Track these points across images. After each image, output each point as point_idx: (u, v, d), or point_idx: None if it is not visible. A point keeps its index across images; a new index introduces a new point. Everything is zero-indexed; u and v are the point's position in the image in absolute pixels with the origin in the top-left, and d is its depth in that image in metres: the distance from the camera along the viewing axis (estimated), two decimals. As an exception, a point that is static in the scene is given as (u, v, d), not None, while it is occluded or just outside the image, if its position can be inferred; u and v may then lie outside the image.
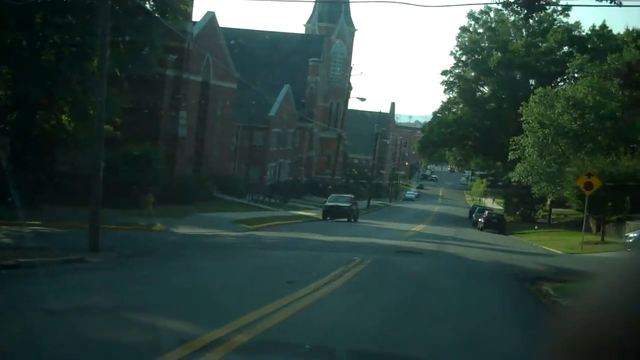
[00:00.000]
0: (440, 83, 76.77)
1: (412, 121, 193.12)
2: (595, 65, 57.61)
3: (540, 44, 70.43)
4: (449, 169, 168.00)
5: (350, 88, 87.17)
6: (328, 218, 46.98)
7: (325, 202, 49.81)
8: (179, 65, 45.45)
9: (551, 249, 34.12)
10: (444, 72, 76.07)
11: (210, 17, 50.96)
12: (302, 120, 74.11)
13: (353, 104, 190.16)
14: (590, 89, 55.29)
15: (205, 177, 48.70)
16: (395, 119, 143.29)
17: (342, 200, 48.99)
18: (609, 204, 34.26)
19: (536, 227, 55.88)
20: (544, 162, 55.49)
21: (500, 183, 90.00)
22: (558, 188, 55.86)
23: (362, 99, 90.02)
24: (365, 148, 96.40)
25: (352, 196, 51.70)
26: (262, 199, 56.12)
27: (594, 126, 54.57)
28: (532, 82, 70.75)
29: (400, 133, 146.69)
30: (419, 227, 46.51)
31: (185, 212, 36.07)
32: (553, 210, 68.86)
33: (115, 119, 37.06)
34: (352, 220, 47.87)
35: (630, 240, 27.78)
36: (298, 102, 72.86)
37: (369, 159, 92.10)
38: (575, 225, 58.93)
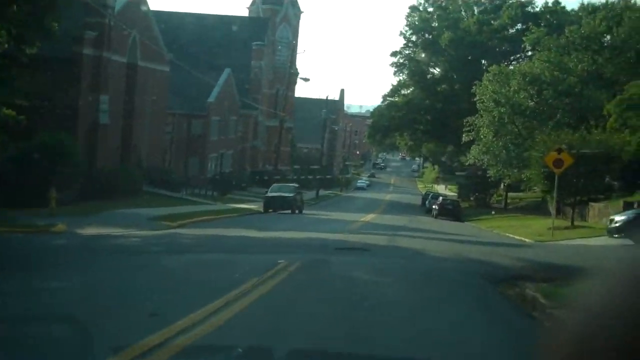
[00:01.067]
0: (390, 65, 72.27)
1: (364, 111, 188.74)
2: (553, 39, 53.49)
3: (492, 22, 66.16)
4: (400, 157, 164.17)
5: (297, 74, 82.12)
6: (270, 210, 41.93)
7: (267, 192, 44.68)
8: (99, 44, 39.84)
9: (517, 237, 29.54)
10: (394, 53, 71.49)
11: (136, -8, 45.32)
12: (245, 108, 68.78)
13: (302, 92, 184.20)
14: (547, 64, 51.15)
15: (134, 169, 43.18)
16: (347, 109, 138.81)
17: (285, 190, 43.93)
18: (582, 182, 29.79)
19: (493, 213, 51.61)
20: (500, 143, 51.16)
21: (453, 168, 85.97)
22: (515, 170, 51.75)
23: (306, 79, 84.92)
24: (315, 137, 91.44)
25: (296, 185, 46.67)
26: (201, 193, 50.81)
27: (552, 103, 50.43)
28: (484, 62, 66.51)
29: (352, 122, 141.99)
30: (368, 217, 41.69)
31: (100, 209, 30.71)
32: (507, 194, 64.98)
33: (21, 102, 31.63)
34: (297, 211, 42.89)
35: (617, 225, 23.21)
36: (242, 88, 67.40)
37: (319, 149, 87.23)
38: (532, 209, 55.00)
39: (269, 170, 72.41)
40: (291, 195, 42.90)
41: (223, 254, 16.79)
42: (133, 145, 46.40)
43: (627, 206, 37.52)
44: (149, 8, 47.74)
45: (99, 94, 39.91)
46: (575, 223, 32.52)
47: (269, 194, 43.41)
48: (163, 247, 19.21)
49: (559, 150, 27.96)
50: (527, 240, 27.73)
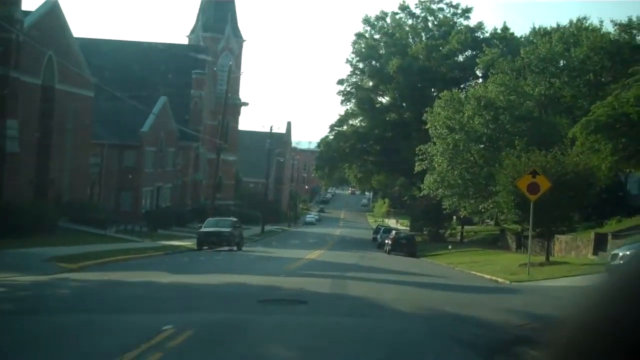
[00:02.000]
0: (337, 93, 67.59)
1: (313, 146, 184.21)
2: (507, 62, 49.49)
3: (441, 48, 62.10)
4: (350, 191, 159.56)
5: (240, 104, 76.98)
6: (205, 247, 36.43)
7: (200, 228, 39.11)
8: (4, 61, 34.18)
9: (487, 276, 24.56)
10: (340, 81, 66.86)
11: (52, 6, 39.78)
12: (185, 139, 63.19)
13: (247, 125, 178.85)
14: (502, 88, 47.00)
15: (48, 205, 37.25)
16: (296, 145, 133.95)
17: (222, 225, 38.43)
18: (558, 211, 25.02)
19: (450, 247, 46.80)
20: (456, 172, 46.60)
21: (404, 199, 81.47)
22: (471, 201, 47.26)
23: (245, 104, 78.91)
24: (261, 172, 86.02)
25: (235, 220, 41.16)
26: (132, 229, 45.01)
27: (510, 129, 46.13)
28: (434, 90, 62.36)
29: (301, 156, 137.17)
30: (315, 254, 36.38)
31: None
32: (459, 227, 60.62)
33: None
34: (235, 248, 37.47)
35: (620, 261, 18.36)
36: (181, 119, 61.86)
37: (265, 183, 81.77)
38: (489, 243, 50.59)
39: (210, 205, 66.57)
40: (228, 230, 37.47)
41: (95, 314, 11.37)
42: (50, 178, 40.52)
43: (600, 238, 33.12)
44: (68, 27, 42.17)
45: (4, 118, 34.12)
46: (555, 258, 27.82)
47: (203, 229, 37.92)
48: (27, 301, 13.74)
49: (534, 173, 23.20)
50: (500, 280, 22.76)
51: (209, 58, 69.80)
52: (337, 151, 65.54)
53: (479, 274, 26.06)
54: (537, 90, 47.65)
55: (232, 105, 74.12)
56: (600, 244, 31.58)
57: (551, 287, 18.27)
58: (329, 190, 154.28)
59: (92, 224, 41.63)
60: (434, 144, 48.17)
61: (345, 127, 67.88)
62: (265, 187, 72.60)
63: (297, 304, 12.55)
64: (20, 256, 23.86)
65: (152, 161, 56.49)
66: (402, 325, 10.45)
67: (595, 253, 31.03)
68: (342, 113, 69.13)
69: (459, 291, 16.45)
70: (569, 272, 22.16)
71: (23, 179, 36.61)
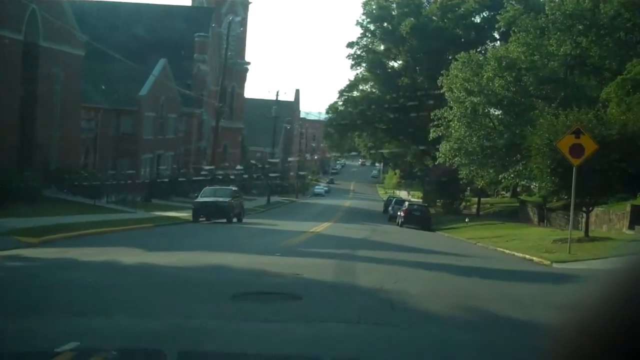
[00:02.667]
0: (347, 57, 63.40)
1: (322, 117, 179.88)
2: (530, 19, 45.24)
3: (457, 8, 57.79)
4: (360, 163, 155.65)
5: (246, 70, 73.02)
6: (202, 218, 32.87)
7: (197, 197, 35.50)
8: (-22, 13, 30.46)
9: (518, 254, 20.81)
10: (350, 44, 62.69)
11: (34, -45, 35.84)
12: (188, 106, 59.49)
13: (254, 93, 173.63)
14: (524, 48, 42.92)
15: (30, 171, 33.61)
16: (305, 116, 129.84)
17: (220, 195, 34.77)
18: (601, 177, 21.13)
19: (467, 220, 43.00)
20: (474, 139, 42.74)
21: (415, 170, 77.59)
22: (490, 170, 43.45)
23: (247, 63, 74.35)
24: (269, 141, 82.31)
25: (234, 189, 37.52)
26: (126, 199, 41.49)
27: (532, 91, 42.13)
28: (449, 54, 58.19)
29: (309, 127, 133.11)
30: (321, 227, 32.72)
31: None
32: (474, 199, 56.77)
33: None
34: (234, 220, 33.90)
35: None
36: (184, 85, 58.09)
37: (274, 152, 78.05)
38: (506, 216, 46.70)
39: (214, 174, 62.92)
40: (226, 200, 33.81)
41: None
42: (37, 143, 36.94)
43: (636, 211, 29.36)
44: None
45: (-22, 75, 30.45)
46: (596, 233, 24.10)
47: (200, 199, 34.31)
48: None
49: (577, 133, 19.33)
50: (535, 259, 18.99)
51: (213, 21, 65.72)
52: (346, 118, 61.64)
53: (507, 250, 22.32)
54: (562, 49, 43.47)
55: (237, 71, 70.26)
56: (636, 218, 27.92)
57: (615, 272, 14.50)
58: (338, 161, 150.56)
59: (83, 194, 38.13)
60: (451, 108, 44.32)
61: (355, 93, 63.88)
62: (272, 156, 68.88)
63: (287, 300, 8.86)
64: (-22, 229, 20.34)
65: (152, 128, 52.82)
66: (439, 340, 6.76)
67: (631, 227, 27.40)
68: (352, 78, 65.15)
69: (500, 278, 12.72)
70: (617, 251, 18.41)
71: (3, 143, 33.10)
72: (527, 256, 19.78)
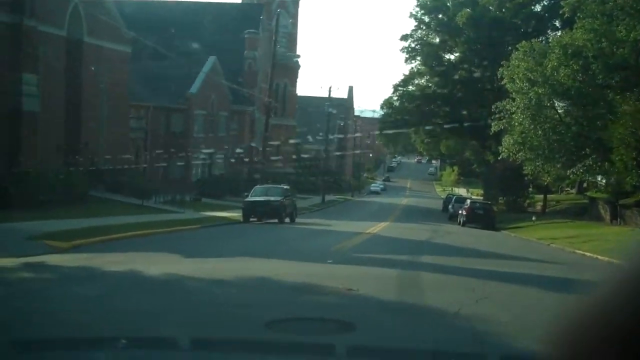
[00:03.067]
0: (401, 50, 60.85)
1: (377, 115, 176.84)
2: (597, 3, 42.14)
3: (516, -4, 54.76)
4: (416, 160, 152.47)
5: (297, 67, 71.20)
6: (252, 218, 31.05)
7: (247, 197, 33.66)
8: (18, 9, 29.16)
9: (604, 258, 18.27)
10: (404, 37, 60.14)
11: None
12: (239, 103, 57.95)
13: (306, 90, 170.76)
14: (591, 35, 39.89)
15: (77, 172, 32.29)
16: (359, 113, 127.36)
17: (271, 193, 32.88)
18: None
19: (534, 219, 40.17)
20: (540, 132, 39.96)
21: (474, 167, 74.60)
22: (557, 166, 40.59)
23: (297, 56, 72.48)
24: (321, 139, 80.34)
25: (286, 187, 35.59)
26: (175, 199, 39.99)
27: (601, 80, 39.09)
28: (508, 45, 55.28)
29: (364, 124, 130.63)
30: (378, 227, 30.48)
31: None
32: (540, 196, 53.69)
33: None
34: (287, 220, 31.98)
35: None
36: (234, 82, 56.54)
37: (328, 150, 75.93)
38: (574, 214, 43.68)
39: (269, 172, 61.27)
40: (278, 199, 31.91)
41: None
42: (83, 142, 35.72)
43: None
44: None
45: (20, 72, 29.15)
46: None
47: (250, 198, 32.48)
48: None
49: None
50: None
51: (263, 17, 64.06)
52: (401, 113, 59.24)
53: (587, 253, 19.80)
54: (632, 35, 40.31)
55: (288, 68, 68.49)
56: None
57: None
58: (394, 159, 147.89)
59: (131, 194, 36.80)
60: (513, 100, 41.59)
61: (410, 88, 61.38)
62: (324, 153, 66.90)
63: (336, 330, 6.72)
64: (9, 232, 18.80)
65: (203, 126, 51.42)
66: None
67: None
68: (407, 72, 62.67)
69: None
70: None
71: (49, 143, 31.84)
72: (615, 260, 17.26)
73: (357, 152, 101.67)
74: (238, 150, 60.93)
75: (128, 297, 8.89)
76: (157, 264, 12.83)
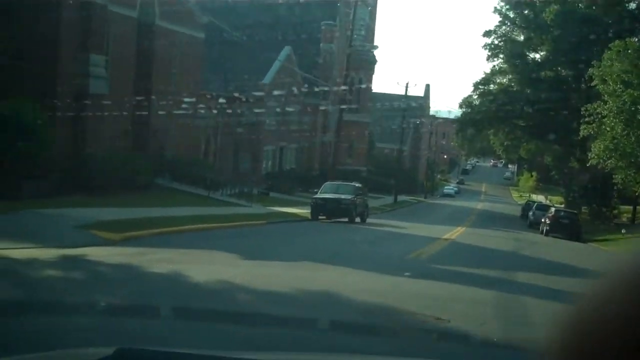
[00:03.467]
0: (483, 47, 58.01)
1: (452, 116, 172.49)
2: None
3: (610, -8, 51.35)
4: (491, 163, 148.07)
5: (374, 61, 69.05)
6: (321, 216, 29.23)
7: (317, 193, 31.85)
8: (90, -14, 28.06)
9: None
10: (487, 33, 57.29)
11: None
12: (313, 96, 56.19)
13: (381, 86, 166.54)
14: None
15: (142, 159, 31.09)
16: (434, 114, 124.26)
17: (342, 191, 30.99)
18: None
19: (623, 231, 37.10)
20: (633, 139, 36.88)
21: (553, 174, 71.06)
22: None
23: (374, 47, 70.15)
24: (396, 138, 78.11)
25: (358, 185, 33.62)
26: (243, 192, 38.55)
27: None
28: (598, 44, 51.85)
29: (439, 125, 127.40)
30: (455, 232, 28.17)
31: (43, 205, 19.04)
32: (624, 207, 50.21)
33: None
34: (357, 219, 30.02)
35: None
36: (308, 74, 54.92)
37: (402, 150, 73.58)
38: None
39: (340, 169, 59.41)
40: (349, 197, 29.98)
41: None
42: (152, 129, 34.56)
43: None
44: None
45: (88, 52, 28.05)
46: None
47: (320, 195, 30.66)
48: None
49: None
50: None
51: (341, 8, 62.13)
52: (481, 113, 56.46)
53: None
54: None
55: (364, 62, 66.29)
56: None
57: None
58: (469, 161, 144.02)
59: (198, 185, 35.52)
60: (605, 102, 38.55)
61: (491, 86, 58.49)
62: (399, 152, 64.67)
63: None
64: (60, 218, 17.45)
65: (274, 118, 49.89)
66: None
67: None
68: (488, 70, 59.77)
69: None
70: None
71: (116, 128, 30.73)
72: None
73: (431, 152, 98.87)
74: (309, 145, 59.39)
75: (154, 312, 7.06)
76: (209, 266, 11.08)
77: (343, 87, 52.08)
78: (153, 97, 34.10)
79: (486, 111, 55.82)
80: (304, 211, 32.23)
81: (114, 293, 8.25)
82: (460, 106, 59.51)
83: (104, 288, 8.90)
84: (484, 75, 59.31)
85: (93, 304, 7.51)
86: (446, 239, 23.35)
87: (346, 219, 29.09)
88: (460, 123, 60.87)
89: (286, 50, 49.94)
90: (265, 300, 8.04)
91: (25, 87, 24.81)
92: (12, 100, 23.98)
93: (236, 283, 9.11)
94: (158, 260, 11.55)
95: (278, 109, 50.03)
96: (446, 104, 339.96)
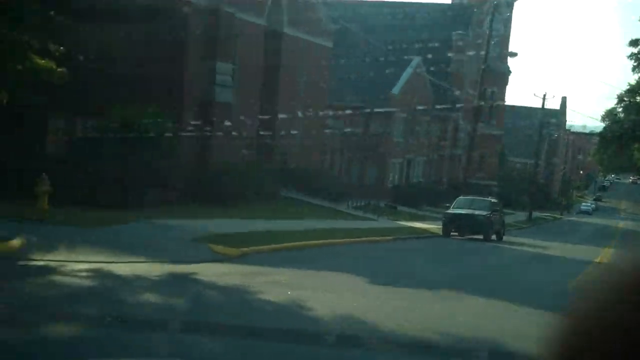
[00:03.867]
0: (628, 57, 53.40)
1: (587, 131, 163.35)
2: None
3: None
4: (631, 180, 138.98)
5: (508, 73, 65.66)
6: (453, 233, 26.98)
7: (448, 208, 29.55)
8: (215, -7, 27.29)
9: None
10: (633, 43, 52.76)
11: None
12: (442, 108, 53.60)
13: (513, 99, 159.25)
14: None
15: (265, 170, 29.99)
16: (569, 127, 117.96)
17: (477, 206, 28.57)
18: None
19: None
20: None
21: None
22: None
23: (513, 54, 66.60)
24: (527, 151, 73.97)
25: (494, 201, 31.02)
26: (369, 205, 36.82)
27: None
28: None
29: (574, 139, 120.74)
30: (606, 254, 25.05)
31: (141, 216, 17.92)
32: None
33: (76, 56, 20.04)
34: (493, 237, 27.47)
35: None
36: (438, 85, 52.60)
37: (535, 164, 69.52)
38: None
39: (471, 183, 56.46)
40: (484, 214, 27.51)
41: None
42: (277, 139, 33.45)
43: None
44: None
45: (215, 59, 27.24)
46: None
47: (452, 210, 28.38)
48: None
49: None
50: None
51: (474, 19, 59.37)
52: (627, 124, 51.97)
53: None
54: None
55: (498, 74, 62.98)
56: None
57: None
58: (606, 178, 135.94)
59: (322, 196, 34.13)
60: None
61: (638, 98, 53.78)
62: (534, 167, 60.90)
63: None
64: (178, 230, 16.27)
65: (403, 129, 47.95)
66: None
67: None
68: (633, 82, 54.99)
69: None
70: None
71: (241, 137, 29.76)
72: None
73: (567, 167, 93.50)
74: (437, 158, 56.93)
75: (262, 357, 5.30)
76: (332, 293, 9.28)
77: (475, 99, 49.30)
78: (279, 106, 33.07)
79: (634, 123, 51.32)
80: (433, 226, 30.08)
81: (217, 330, 6.61)
82: (603, 119, 55.18)
83: (208, 319, 7.27)
84: (628, 86, 54.65)
85: (190, 346, 5.86)
86: (600, 263, 20.50)
87: (481, 237, 26.68)
88: (602, 139, 56.43)
89: (416, 60, 47.94)
90: (403, 348, 6.14)
91: (151, 96, 24.18)
92: (138, 109, 23.41)
93: (366, 320, 7.29)
94: (276, 284, 9.90)
95: (406, 121, 48.02)
96: (580, 117, 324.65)
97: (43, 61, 18.29)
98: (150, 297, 8.59)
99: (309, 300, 8.38)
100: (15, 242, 12.82)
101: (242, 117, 29.19)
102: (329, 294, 9.07)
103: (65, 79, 18.36)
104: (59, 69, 18.52)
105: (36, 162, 21.07)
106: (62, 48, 18.70)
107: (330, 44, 37.08)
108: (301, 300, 8.37)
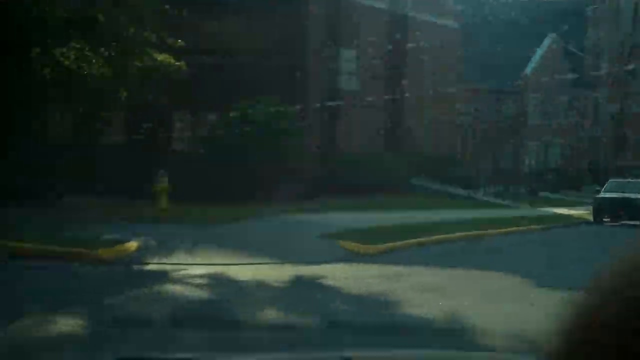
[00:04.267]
0: None
1: None
2: None
3: None
4: None
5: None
6: (605, 219, 24.18)
7: (598, 192, 26.62)
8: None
9: None
10: None
11: None
12: (579, 87, 49.76)
13: None
14: None
15: (393, 158, 28.13)
16: None
17: (631, 189, 25.56)
18: None
19: None
20: None
21: None
22: None
23: None
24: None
25: (654, 184, 27.74)
26: (506, 192, 34.24)
27: None
28: None
29: None
30: None
31: (269, 211, 16.62)
32: None
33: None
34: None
35: None
36: (574, 64, 48.74)
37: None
38: None
39: (615, 165, 51.98)
40: (640, 197, 24.41)
41: None
42: (406, 126, 31.54)
43: None
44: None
45: (337, 45, 25.66)
46: None
47: (603, 195, 25.49)
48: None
49: None
50: None
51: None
52: None
53: None
54: None
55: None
56: None
57: None
58: None
59: (456, 183, 31.89)
60: None
61: None
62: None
63: None
64: (306, 225, 14.75)
65: (538, 112, 44.69)
66: None
67: None
68: None
69: None
70: None
71: (369, 125, 28.13)
72: None
73: None
74: (577, 139, 52.93)
75: None
76: (489, 303, 7.30)
77: (622, 75, 45.17)
78: (406, 92, 31.09)
79: None
80: (580, 212, 27.24)
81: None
82: None
83: (343, 342, 5.54)
84: None
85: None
86: None
87: (637, 222, 23.63)
88: None
89: (549, 38, 44.54)
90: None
91: (274, 86, 22.91)
92: (261, 101, 22.23)
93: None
94: (422, 289, 8.13)
95: (542, 101, 44.64)
96: None
97: (161, 56, 17.41)
98: (271, 312, 6.99)
99: (467, 310, 6.54)
100: (132, 245, 11.75)
101: (368, 105, 27.54)
102: (487, 305, 7.15)
103: (184, 72, 17.42)
104: (177, 63, 17.61)
105: (164, 159, 20.37)
106: (180, 41, 17.74)
107: (456, 25, 34.70)
108: (458, 312, 6.53)
